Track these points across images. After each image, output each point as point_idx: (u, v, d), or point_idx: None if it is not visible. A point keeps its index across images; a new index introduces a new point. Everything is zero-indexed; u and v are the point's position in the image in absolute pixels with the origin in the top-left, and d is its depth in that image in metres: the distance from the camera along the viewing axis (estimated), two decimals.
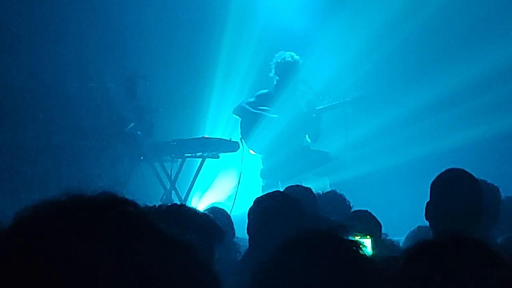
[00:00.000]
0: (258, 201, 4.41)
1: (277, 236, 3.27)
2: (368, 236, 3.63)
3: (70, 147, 8.76)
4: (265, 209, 4.25)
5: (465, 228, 3.77)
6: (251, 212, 4.36)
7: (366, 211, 4.82)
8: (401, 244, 4.82)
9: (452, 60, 9.71)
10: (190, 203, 8.98)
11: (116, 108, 9.05)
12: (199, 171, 8.92)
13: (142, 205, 1.26)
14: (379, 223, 4.73)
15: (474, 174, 3.91)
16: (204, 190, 9.55)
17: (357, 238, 3.55)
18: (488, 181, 4.50)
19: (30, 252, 1.13)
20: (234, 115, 8.97)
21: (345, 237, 1.99)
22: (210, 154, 8.90)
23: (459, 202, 3.75)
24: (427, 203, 3.87)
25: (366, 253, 1.90)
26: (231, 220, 5.70)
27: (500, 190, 4.71)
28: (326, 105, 9.03)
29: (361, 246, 1.90)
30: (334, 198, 5.16)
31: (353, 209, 5.07)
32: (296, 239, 1.93)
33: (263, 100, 8.87)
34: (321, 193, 5.23)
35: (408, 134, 9.54)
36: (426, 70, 9.88)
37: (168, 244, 1.21)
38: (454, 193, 3.79)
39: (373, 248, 3.57)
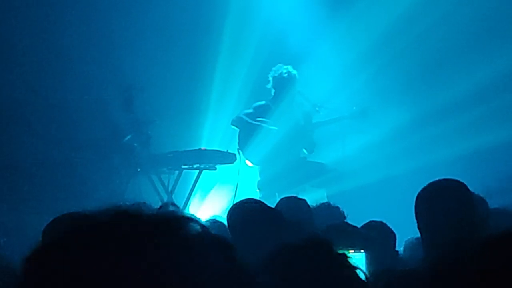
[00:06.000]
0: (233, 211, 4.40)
1: (259, 245, 3.25)
2: (362, 251, 3.60)
3: (67, 159, 8.77)
4: (243, 219, 4.24)
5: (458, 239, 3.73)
6: (231, 222, 4.35)
7: (381, 221, 4.80)
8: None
9: (450, 71, 9.71)
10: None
11: (113, 120, 9.06)
12: (196, 183, 8.92)
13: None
14: (393, 233, 4.71)
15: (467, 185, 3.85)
16: (201, 202, 9.54)
17: (351, 252, 3.51)
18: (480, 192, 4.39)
19: (79, 265, 1.07)
20: (232, 126, 8.97)
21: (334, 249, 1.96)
22: (207, 166, 8.89)
23: (452, 213, 3.69)
24: (416, 215, 3.80)
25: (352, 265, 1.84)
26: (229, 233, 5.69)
27: (497, 199, 4.63)
28: (325, 120, 9.04)
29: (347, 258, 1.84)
30: (328, 209, 5.16)
31: (347, 220, 5.06)
32: (283, 250, 1.83)
33: (261, 112, 8.88)
34: (315, 205, 5.23)
35: (405, 145, 9.53)
36: (423, 81, 9.88)
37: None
38: (447, 203, 3.72)
39: (370, 262, 3.54)
